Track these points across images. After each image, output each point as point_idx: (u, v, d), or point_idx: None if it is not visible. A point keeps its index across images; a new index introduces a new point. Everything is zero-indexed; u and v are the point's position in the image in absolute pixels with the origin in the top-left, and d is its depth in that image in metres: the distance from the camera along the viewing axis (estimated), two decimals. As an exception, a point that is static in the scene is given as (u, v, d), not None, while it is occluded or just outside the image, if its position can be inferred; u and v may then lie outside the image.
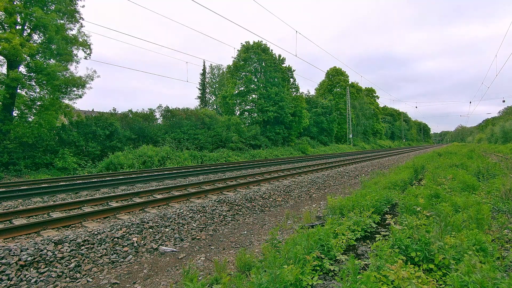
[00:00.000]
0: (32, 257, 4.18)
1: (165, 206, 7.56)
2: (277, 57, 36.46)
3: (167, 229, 5.82)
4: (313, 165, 18.19)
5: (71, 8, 19.31)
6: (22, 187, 10.16)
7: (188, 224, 6.23)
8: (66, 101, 19.94)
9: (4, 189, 9.41)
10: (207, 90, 51.00)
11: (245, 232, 6.34)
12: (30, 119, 18.40)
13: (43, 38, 17.98)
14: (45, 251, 4.36)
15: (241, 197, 8.36)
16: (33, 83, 18.00)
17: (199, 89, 49.30)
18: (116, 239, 5.08)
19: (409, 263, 3.00)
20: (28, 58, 17.11)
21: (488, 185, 7.19)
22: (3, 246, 4.28)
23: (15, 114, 18.08)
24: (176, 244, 5.49)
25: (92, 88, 22.88)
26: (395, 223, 4.49)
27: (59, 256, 4.36)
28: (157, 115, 27.00)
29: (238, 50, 35.62)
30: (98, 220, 6.36)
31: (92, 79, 19.89)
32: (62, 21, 18.87)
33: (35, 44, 17.29)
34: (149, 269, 4.50)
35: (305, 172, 14.29)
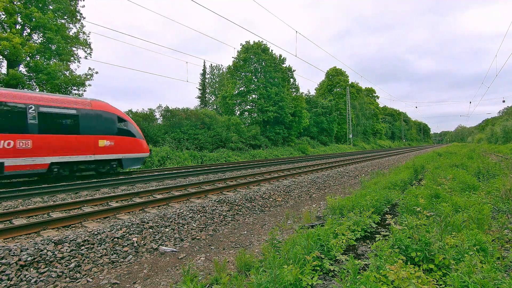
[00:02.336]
0: (32, 257, 4.17)
1: (165, 206, 7.56)
2: (277, 57, 36.47)
3: (167, 229, 5.82)
4: (313, 165, 18.19)
5: (71, 7, 19.34)
6: (22, 187, 10.15)
7: (188, 224, 6.23)
8: (66, 101, 19.94)
9: (4, 189, 9.40)
10: (207, 90, 51.02)
11: (245, 232, 6.34)
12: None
13: (43, 38, 18.00)
14: (45, 251, 4.36)
15: (241, 197, 8.36)
16: (33, 83, 18.02)
17: (199, 89, 49.34)
18: (116, 239, 5.08)
19: (409, 263, 2.99)
20: (28, 58, 17.13)
21: (488, 185, 7.19)
22: (3, 246, 4.28)
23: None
24: (176, 244, 5.49)
25: (91, 86, 22.92)
26: (395, 223, 4.49)
27: (59, 256, 4.36)
28: (157, 115, 27.01)
29: (238, 51, 35.64)
30: (98, 220, 6.36)
31: (91, 78, 19.91)
32: (62, 21, 18.89)
33: (35, 44, 17.30)
34: (149, 269, 4.50)
35: (305, 172, 14.28)
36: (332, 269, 3.22)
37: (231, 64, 35.62)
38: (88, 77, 19.81)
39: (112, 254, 4.77)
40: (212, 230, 6.35)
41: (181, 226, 6.09)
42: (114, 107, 13.89)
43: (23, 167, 10.51)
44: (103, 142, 12.77)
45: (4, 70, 17.10)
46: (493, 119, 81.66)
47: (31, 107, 10.68)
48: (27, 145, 10.57)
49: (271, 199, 8.98)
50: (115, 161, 13.58)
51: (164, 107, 27.20)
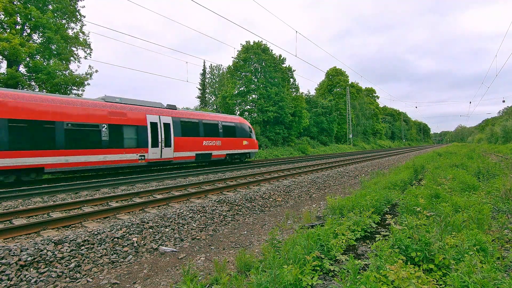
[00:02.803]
0: (32, 257, 4.17)
1: (165, 206, 7.56)
2: (277, 57, 36.47)
3: (167, 229, 5.82)
4: (313, 165, 18.19)
5: (71, 7, 19.33)
6: (22, 187, 10.15)
7: (188, 224, 6.23)
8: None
9: (4, 189, 9.40)
10: (207, 90, 50.99)
11: (245, 232, 6.34)
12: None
13: (42, 38, 18.00)
14: (45, 251, 4.36)
15: (241, 197, 8.36)
16: (33, 83, 18.01)
17: (199, 89, 49.27)
18: (116, 239, 5.08)
19: (409, 263, 2.99)
20: (27, 58, 17.12)
21: (488, 185, 7.19)
22: (3, 246, 4.28)
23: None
24: (176, 244, 5.49)
25: (91, 85, 23.03)
26: (395, 223, 4.49)
27: (59, 256, 4.36)
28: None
29: (238, 50, 35.63)
30: (98, 220, 6.36)
31: (90, 77, 19.90)
32: (62, 21, 18.88)
33: (34, 44, 17.29)
34: (149, 269, 4.50)
35: (305, 172, 14.28)
36: (332, 269, 3.22)
37: (231, 64, 35.62)
38: (88, 76, 19.81)
39: (112, 254, 4.77)
40: (212, 230, 6.35)
41: (181, 226, 6.09)
42: (246, 120, 23.46)
43: (217, 156, 18.77)
44: (244, 142, 21.07)
45: (3, 70, 17.10)
46: (493, 119, 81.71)
47: (220, 123, 19.18)
48: (219, 143, 18.81)
49: (271, 199, 8.98)
50: (248, 154, 21.88)
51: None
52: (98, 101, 13.28)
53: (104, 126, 12.86)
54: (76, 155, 11.96)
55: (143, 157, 14.03)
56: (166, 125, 15.41)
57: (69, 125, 11.89)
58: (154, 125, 14.74)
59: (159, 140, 14.88)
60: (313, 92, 56.99)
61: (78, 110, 12.18)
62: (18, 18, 17.25)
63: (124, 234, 5.27)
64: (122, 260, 4.72)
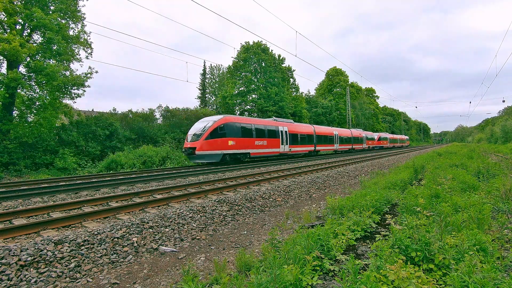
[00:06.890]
0: (32, 257, 4.17)
1: (165, 206, 7.56)
2: (277, 57, 36.48)
3: (167, 229, 5.82)
4: (313, 165, 18.19)
5: (73, 7, 19.31)
6: (22, 187, 10.16)
7: (188, 224, 6.23)
8: (67, 101, 19.95)
9: (4, 189, 9.40)
10: (207, 90, 51.00)
11: (245, 232, 6.34)
12: (30, 119, 18.39)
13: (43, 38, 17.98)
14: (45, 251, 4.36)
15: (241, 197, 8.36)
16: (33, 83, 18.00)
17: (199, 89, 49.34)
18: (116, 239, 5.08)
19: (409, 263, 2.99)
20: (28, 58, 17.10)
21: (488, 185, 7.19)
22: (3, 246, 4.28)
23: (15, 114, 18.07)
24: (176, 244, 5.49)
25: (90, 86, 23.02)
26: (395, 223, 4.48)
27: (59, 256, 4.36)
28: (157, 115, 27.07)
29: (238, 50, 35.64)
30: (98, 220, 6.36)
31: (91, 76, 19.87)
32: (63, 21, 18.86)
33: (35, 45, 17.28)
34: (149, 269, 4.50)
35: (305, 172, 14.28)
36: (332, 269, 3.22)
37: (231, 64, 35.63)
38: (88, 75, 19.78)
39: (112, 254, 4.77)
40: (212, 230, 6.34)
41: (181, 226, 6.09)
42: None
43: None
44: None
45: (4, 70, 17.09)
46: (493, 119, 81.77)
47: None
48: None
49: (271, 199, 8.98)
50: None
51: (164, 107, 27.23)
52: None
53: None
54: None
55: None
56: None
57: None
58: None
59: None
60: (313, 92, 57.11)
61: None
62: (19, 19, 17.24)
63: (124, 234, 5.26)
64: (122, 260, 4.72)
